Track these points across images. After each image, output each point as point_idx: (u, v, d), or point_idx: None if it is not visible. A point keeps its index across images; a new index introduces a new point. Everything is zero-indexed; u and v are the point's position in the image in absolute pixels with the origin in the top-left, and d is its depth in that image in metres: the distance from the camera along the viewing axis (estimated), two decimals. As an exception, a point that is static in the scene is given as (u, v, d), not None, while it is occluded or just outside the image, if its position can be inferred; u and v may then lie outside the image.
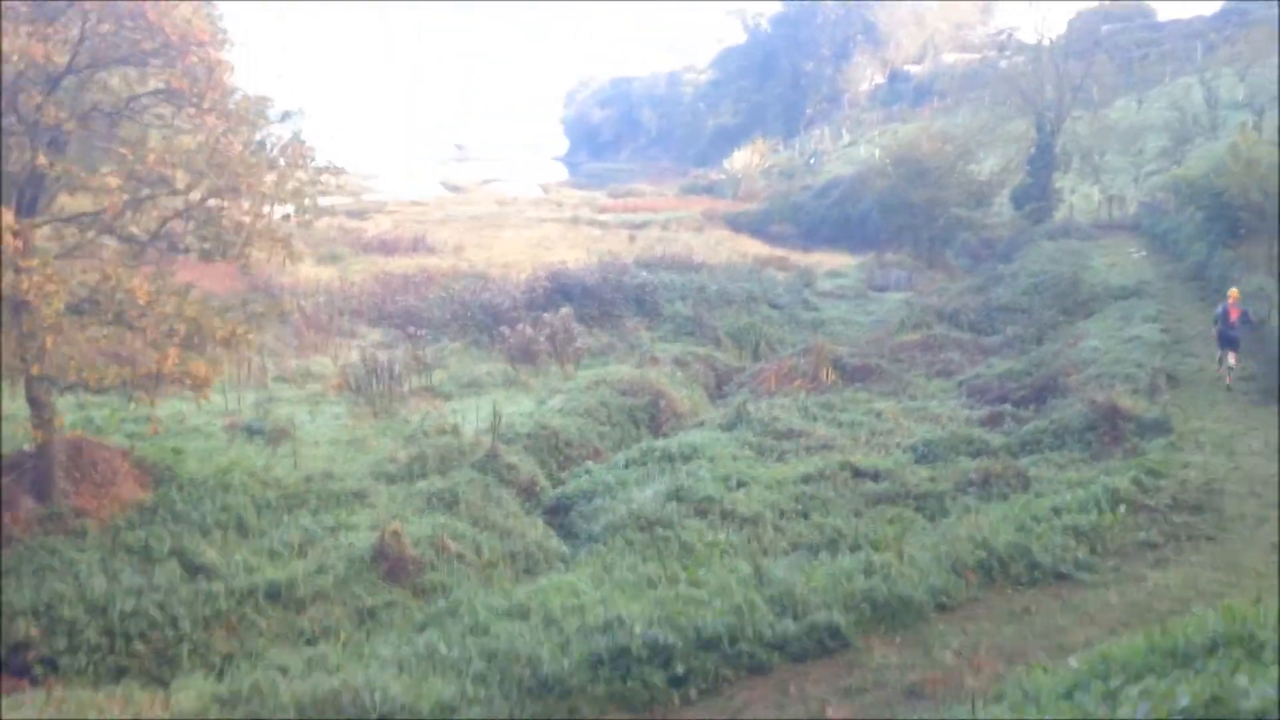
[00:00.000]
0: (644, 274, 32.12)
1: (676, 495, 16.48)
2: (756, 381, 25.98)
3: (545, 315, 26.70)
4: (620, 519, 15.84)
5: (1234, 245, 28.08)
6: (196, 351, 14.43)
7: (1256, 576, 11.47)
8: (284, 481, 16.64)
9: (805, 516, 15.96)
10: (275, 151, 15.63)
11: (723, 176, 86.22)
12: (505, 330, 25.90)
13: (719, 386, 27.43)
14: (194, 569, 13.49)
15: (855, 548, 14.20)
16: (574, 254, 43.84)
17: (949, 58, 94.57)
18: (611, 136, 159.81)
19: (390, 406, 21.31)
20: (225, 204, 15.40)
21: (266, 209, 16.04)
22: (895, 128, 79.78)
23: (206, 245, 15.82)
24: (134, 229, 15.78)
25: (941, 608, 11.29)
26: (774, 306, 33.55)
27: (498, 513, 16.47)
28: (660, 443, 19.65)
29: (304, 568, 13.77)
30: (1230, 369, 20.16)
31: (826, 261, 51.61)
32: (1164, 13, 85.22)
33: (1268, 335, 20.93)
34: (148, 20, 13.16)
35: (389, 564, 14.13)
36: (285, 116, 17.52)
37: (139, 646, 12.03)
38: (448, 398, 23.19)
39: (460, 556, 14.78)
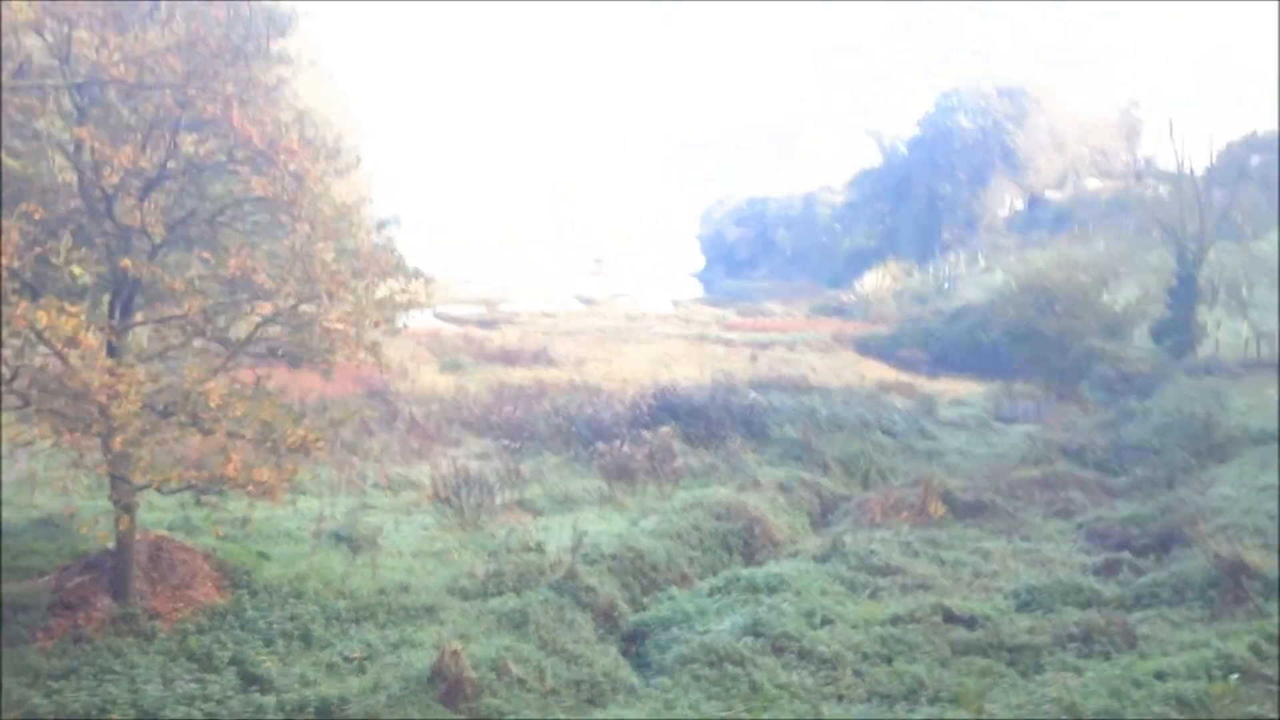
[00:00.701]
0: (753, 395, 31.58)
1: (754, 629, 15.74)
2: (861, 512, 25.01)
3: (644, 433, 26.34)
4: (691, 652, 15.16)
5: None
6: (267, 456, 14.47)
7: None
8: (358, 592, 16.49)
9: (889, 661, 15.01)
10: (363, 261, 15.86)
11: (854, 298, 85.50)
12: (601, 446, 25.58)
13: (824, 515, 26.51)
14: (251, 679, 13.34)
15: (935, 700, 13.27)
16: (694, 371, 43.63)
17: (1090, 184, 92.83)
18: (747, 255, 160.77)
19: (478, 519, 21.10)
20: (315, 310, 15.64)
21: (353, 315, 16.30)
22: (1033, 254, 78.13)
23: (296, 351, 16.08)
24: (228, 333, 16.11)
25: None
26: (888, 434, 32.52)
27: (568, 636, 15.96)
28: (748, 571, 18.93)
29: (360, 684, 13.48)
30: None
31: (953, 389, 50.17)
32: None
33: None
34: (234, 128, 13.57)
35: (446, 685, 13.71)
36: (382, 225, 17.83)
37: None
38: (539, 513, 22.91)
39: (522, 681, 14.30)
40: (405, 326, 18.44)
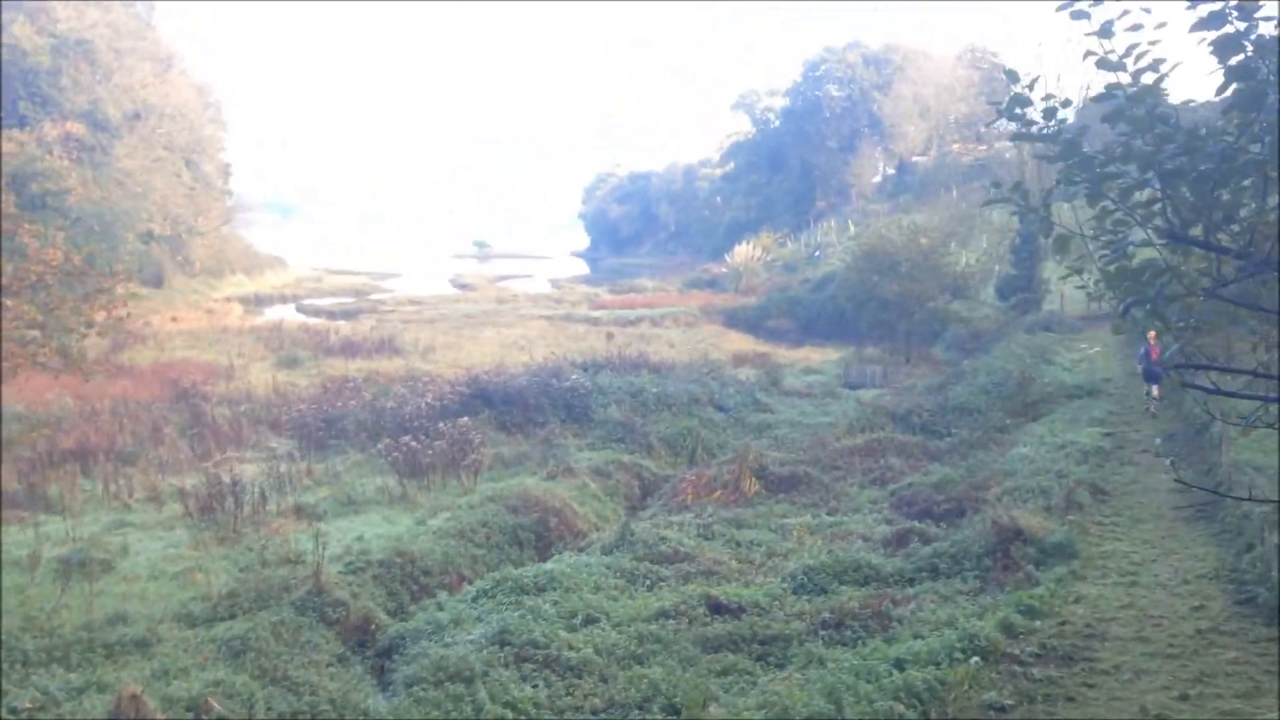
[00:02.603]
0: (575, 376, 30.23)
1: (501, 638, 14.39)
2: (673, 494, 23.91)
3: (442, 425, 24.79)
4: (421, 669, 13.74)
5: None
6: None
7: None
8: (62, 629, 14.76)
9: (641, 663, 13.80)
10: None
11: (725, 270, 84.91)
12: (389, 442, 24.01)
13: (644, 498, 25.36)
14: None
15: (667, 706, 12.10)
16: (547, 354, 42.20)
17: (956, 148, 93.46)
18: (630, 232, 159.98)
19: (237, 531, 19.40)
20: None
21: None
22: (899, 219, 78.23)
23: None
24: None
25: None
26: (721, 409, 31.51)
27: (299, 661, 14.43)
28: (518, 571, 17.57)
29: (17, 745, 11.82)
30: (1154, 399, 24.14)
31: (813, 357, 49.67)
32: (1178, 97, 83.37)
33: (1209, 443, 18.68)
34: None
35: (120, 736, 12.13)
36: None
37: None
38: (319, 518, 21.28)
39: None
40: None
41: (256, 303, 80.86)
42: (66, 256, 15.16)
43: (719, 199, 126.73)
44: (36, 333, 14.47)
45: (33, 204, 50.37)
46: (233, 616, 15.58)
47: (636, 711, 12.26)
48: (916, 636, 12.78)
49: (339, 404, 29.73)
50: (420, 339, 51.09)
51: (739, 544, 19.33)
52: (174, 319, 60.11)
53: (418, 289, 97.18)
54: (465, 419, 24.97)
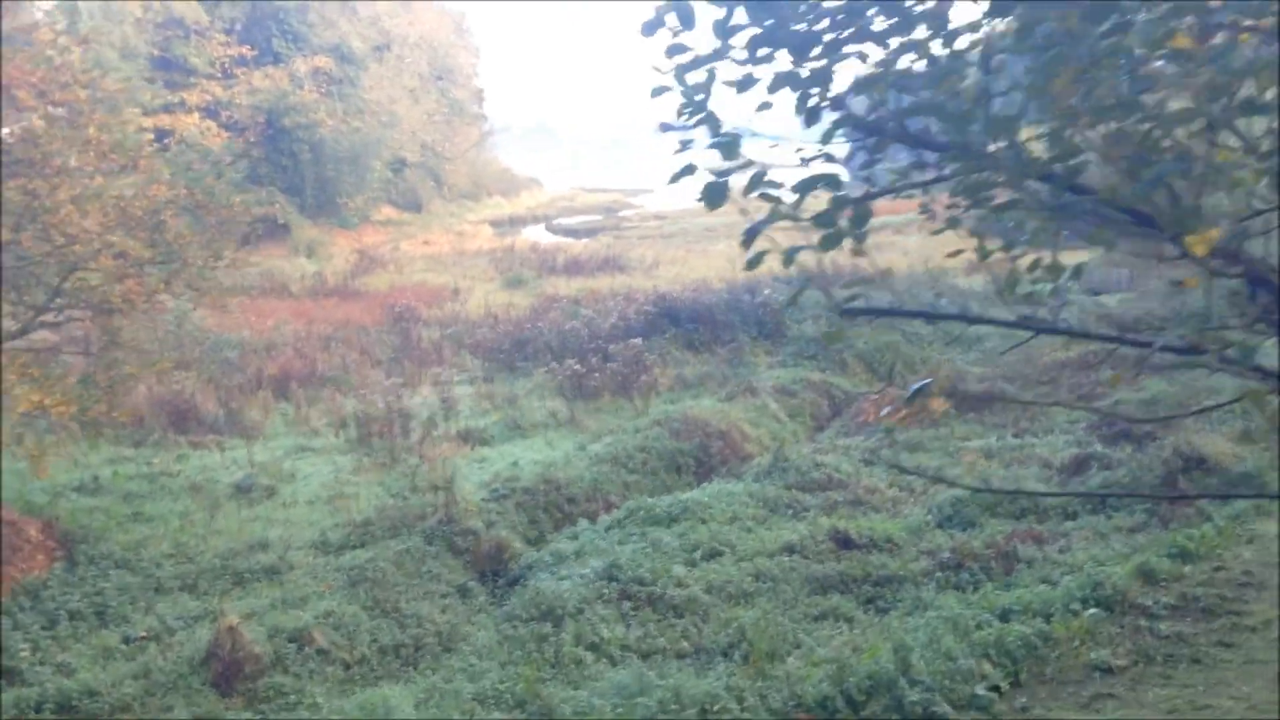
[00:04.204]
0: (767, 291, 28.90)
1: (609, 573, 13.80)
2: (854, 414, 22.49)
3: (611, 346, 24.25)
4: (520, 605, 13.40)
5: None
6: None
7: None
8: (203, 555, 15.36)
9: (749, 602, 12.87)
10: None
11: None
12: (554, 365, 23.69)
13: (833, 419, 24.02)
14: (6, 672, 12.31)
15: (749, 656, 11.16)
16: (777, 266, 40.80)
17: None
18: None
19: (395, 457, 19.65)
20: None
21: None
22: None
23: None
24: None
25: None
26: (930, 320, 29.40)
27: (415, 591, 14.40)
28: (653, 500, 16.88)
29: (125, 670, 12.27)
30: None
31: (1064, 259, 45.79)
32: None
33: None
34: None
35: (222, 666, 12.39)
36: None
37: (-104, 764, 10.93)
38: (485, 443, 21.33)
39: (324, 652, 12.83)
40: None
41: (510, 224, 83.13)
42: (189, 192, 15.39)
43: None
44: (154, 268, 14.79)
45: (285, 136, 53.42)
46: (363, 545, 15.75)
47: (721, 657, 11.42)
48: (1043, 581, 11.22)
49: (529, 325, 29.77)
50: (648, 255, 50.76)
51: (902, 470, 17.85)
52: (425, 242, 62.54)
53: (666, 204, 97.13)
54: (637, 340, 24.31)
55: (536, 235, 72.32)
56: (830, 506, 16.06)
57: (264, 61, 55.97)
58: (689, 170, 3.96)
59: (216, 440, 21.80)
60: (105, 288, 14.14)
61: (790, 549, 14.14)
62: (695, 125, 4.00)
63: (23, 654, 12.54)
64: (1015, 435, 19.24)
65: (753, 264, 4.09)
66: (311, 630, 13.03)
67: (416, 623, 13.62)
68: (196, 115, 51.70)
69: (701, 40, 3.85)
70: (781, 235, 4.62)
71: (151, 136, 50.41)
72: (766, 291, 28.81)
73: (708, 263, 48.55)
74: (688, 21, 3.75)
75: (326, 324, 32.68)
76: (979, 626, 9.93)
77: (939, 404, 17.73)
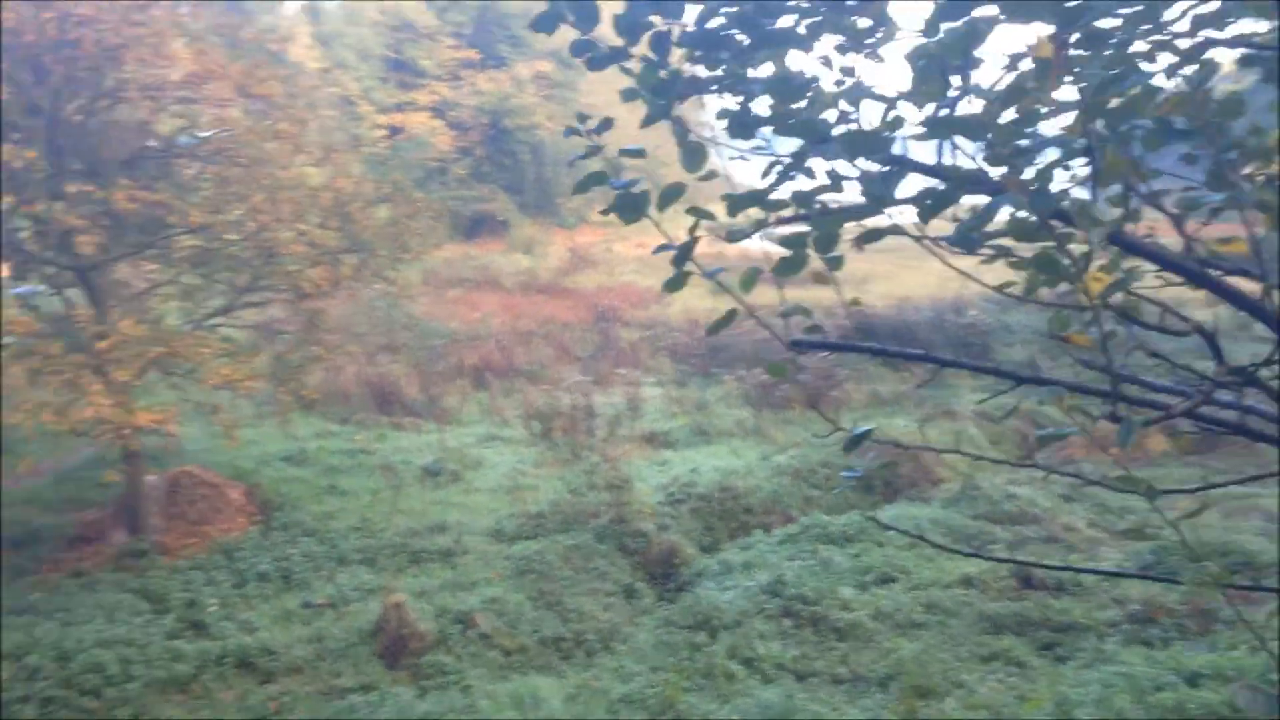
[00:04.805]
0: (973, 313, 27.80)
1: (774, 589, 13.53)
2: (1060, 446, 21.33)
3: (800, 359, 23.70)
4: (677, 612, 13.29)
5: None
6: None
7: None
8: (385, 532, 15.95)
9: (916, 634, 12.35)
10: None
11: None
12: (742, 374, 23.43)
13: (1040, 450, 22.83)
14: (192, 623, 13.10)
15: (907, 691, 10.69)
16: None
17: None
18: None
19: (578, 454, 19.87)
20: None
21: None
22: None
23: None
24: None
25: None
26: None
27: (581, 587, 14.51)
28: (829, 517, 16.44)
29: (302, 634, 12.87)
30: None
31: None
32: None
33: None
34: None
35: (388, 640, 12.81)
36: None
37: (90, 703, 11.75)
38: (669, 446, 21.33)
39: (486, 637, 13.09)
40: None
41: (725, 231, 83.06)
42: (376, 186, 16.05)
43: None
44: (351, 256, 15.44)
45: (507, 137, 55.14)
46: (535, 536, 15.99)
47: (876, 688, 11.00)
48: (1243, 647, 10.29)
49: (724, 333, 29.60)
50: (859, 269, 49.73)
51: (1107, 509, 16.80)
52: (639, 245, 63.30)
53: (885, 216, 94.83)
54: (825, 355, 23.80)
55: (751, 243, 71.90)
56: (1019, 541, 15.25)
57: (488, 65, 57.96)
58: (597, 180, 3.55)
59: (414, 423, 22.67)
60: (299, 273, 14.85)
61: (968, 582, 13.51)
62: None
63: (211, 609, 13.33)
64: (1241, 482, 17.76)
65: (671, 286, 3.63)
66: (476, 614, 13.32)
67: (578, 618, 13.73)
68: (425, 114, 54.01)
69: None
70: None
71: (386, 132, 53.18)
72: (973, 313, 27.74)
73: (920, 278, 47.21)
74: (587, 21, 3.34)
75: (532, 319, 33.48)
76: (1160, 689, 9.18)
77: (1158, 443, 16.66)
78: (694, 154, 3.44)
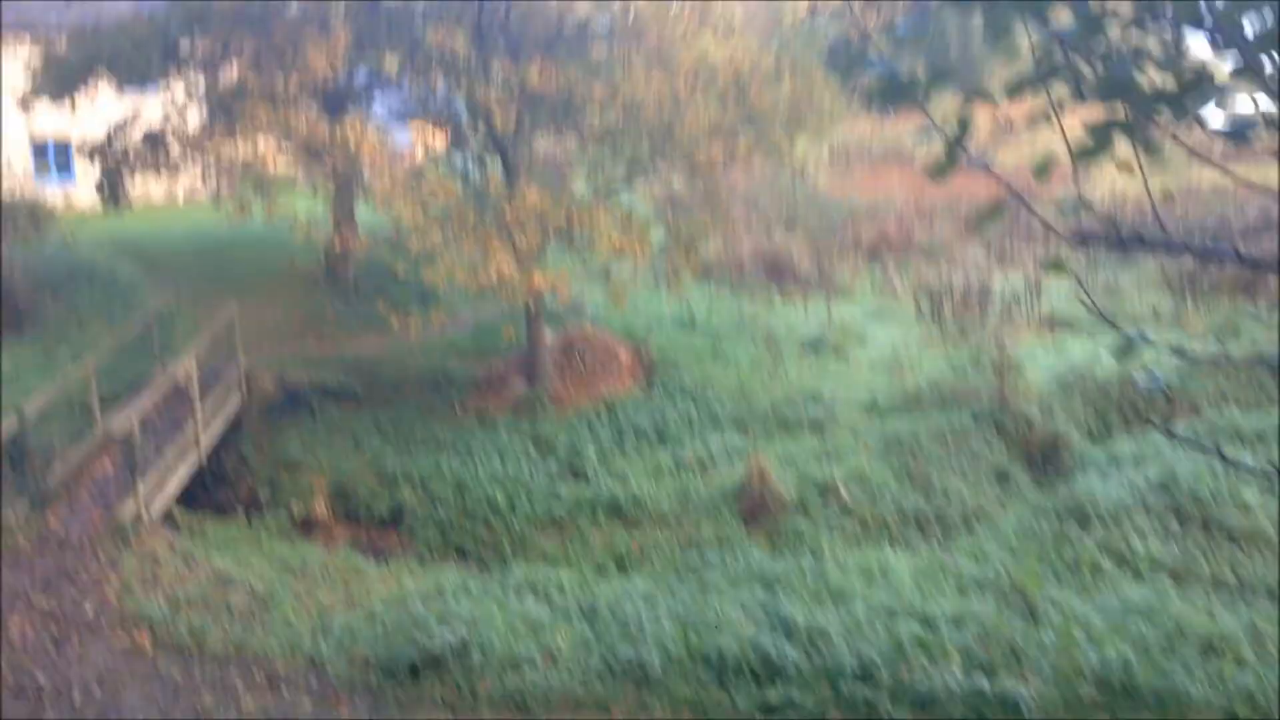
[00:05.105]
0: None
1: (1165, 486, 12.40)
2: None
3: (1244, 246, 20.98)
4: (1054, 502, 12.56)
5: None
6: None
7: None
8: (758, 398, 16.22)
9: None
10: None
11: None
12: (1168, 260, 21.03)
13: None
14: (573, 470, 14.10)
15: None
16: None
17: None
18: None
19: (969, 333, 19.01)
20: None
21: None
22: None
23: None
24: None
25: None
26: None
27: (949, 466, 14.08)
28: (1245, 414, 14.71)
29: (669, 487, 13.51)
30: None
31: None
32: None
33: None
34: None
35: (750, 501, 13.15)
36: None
37: (480, 530, 13.10)
38: (1070, 329, 19.88)
39: (845, 508, 13.10)
40: None
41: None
42: (776, 63, 15.97)
43: None
44: (748, 131, 15.58)
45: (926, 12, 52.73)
46: (909, 412, 15.64)
47: (1265, 598, 9.91)
48: None
49: (1154, 216, 26.76)
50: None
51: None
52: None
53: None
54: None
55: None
56: None
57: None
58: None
59: (804, 295, 22.67)
60: (696, 148, 15.11)
61: None
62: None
63: (590, 458, 14.28)
64: None
65: (936, 172, 3.21)
66: (839, 484, 13.34)
67: (943, 496, 13.39)
68: (846, -13, 52.72)
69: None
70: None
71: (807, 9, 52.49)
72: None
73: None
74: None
75: (938, 195, 32.19)
76: None
77: None
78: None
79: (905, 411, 15.70)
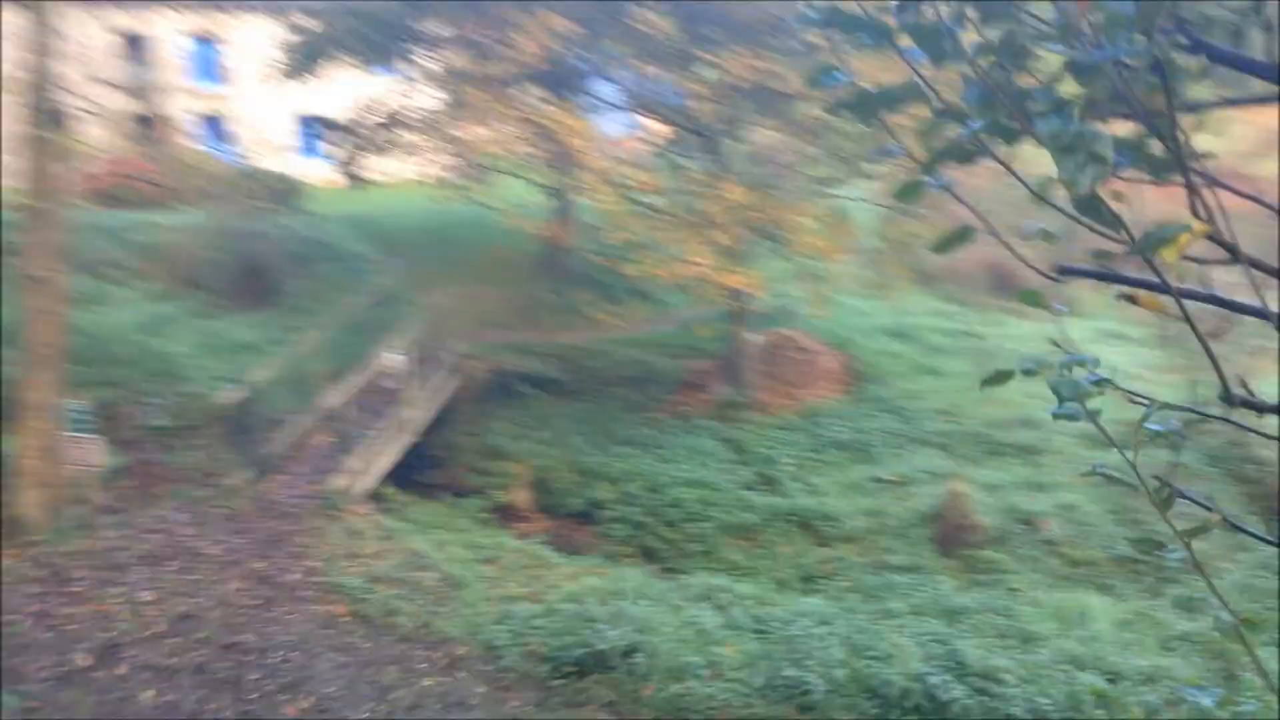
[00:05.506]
0: None
1: None
2: None
3: None
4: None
5: None
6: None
7: None
8: (968, 418, 15.57)
9: None
10: None
11: None
12: None
13: None
14: (766, 478, 13.92)
15: None
16: None
17: None
18: None
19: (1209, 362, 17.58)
20: None
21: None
22: None
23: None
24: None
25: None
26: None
27: (1172, 509, 13.04)
28: None
29: (861, 505, 13.15)
30: None
31: None
32: None
33: None
34: None
35: (946, 527, 12.64)
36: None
37: (669, 533, 13.13)
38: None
39: (1049, 543, 12.41)
40: None
41: None
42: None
43: None
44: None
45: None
46: (1130, 445, 14.60)
47: None
48: None
49: None
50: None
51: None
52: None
53: None
54: None
55: None
56: None
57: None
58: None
59: (1033, 310, 21.59)
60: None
61: None
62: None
63: (786, 467, 14.08)
64: None
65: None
66: (1045, 518, 12.67)
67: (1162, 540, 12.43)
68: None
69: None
70: None
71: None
72: None
73: None
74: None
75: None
76: None
77: None
78: None
79: (1126, 444, 14.68)
